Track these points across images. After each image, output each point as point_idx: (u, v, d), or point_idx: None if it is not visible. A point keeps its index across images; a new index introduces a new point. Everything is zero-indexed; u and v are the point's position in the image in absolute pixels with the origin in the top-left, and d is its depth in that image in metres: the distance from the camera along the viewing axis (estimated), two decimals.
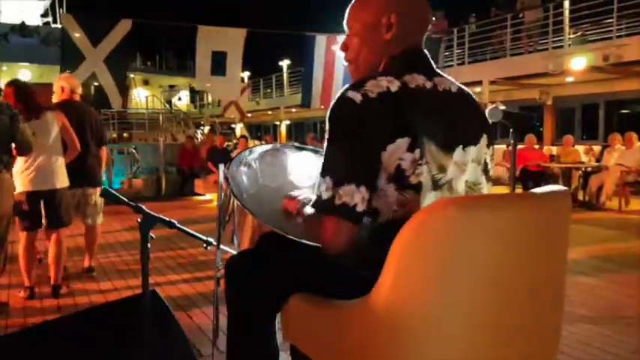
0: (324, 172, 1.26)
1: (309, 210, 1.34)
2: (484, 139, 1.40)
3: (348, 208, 1.22)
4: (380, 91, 1.24)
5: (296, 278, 1.47)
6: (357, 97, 1.23)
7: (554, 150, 10.57)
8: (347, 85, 1.29)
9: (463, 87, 1.43)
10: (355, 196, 1.22)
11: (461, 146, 1.33)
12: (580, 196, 8.52)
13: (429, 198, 1.27)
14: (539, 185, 8.87)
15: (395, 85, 1.26)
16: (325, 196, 1.24)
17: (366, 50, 1.40)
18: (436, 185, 1.29)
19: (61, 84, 4.39)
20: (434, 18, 13.66)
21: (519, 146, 8.92)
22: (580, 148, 10.21)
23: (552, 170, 8.95)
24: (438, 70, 1.40)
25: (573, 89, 13.06)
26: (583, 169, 8.92)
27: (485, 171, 1.41)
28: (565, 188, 1.29)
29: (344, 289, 1.32)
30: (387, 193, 1.25)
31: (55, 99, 4.38)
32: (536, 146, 9.89)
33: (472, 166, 1.36)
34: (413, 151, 1.23)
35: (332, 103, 1.28)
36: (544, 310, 1.28)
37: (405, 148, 1.22)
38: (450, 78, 1.40)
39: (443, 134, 1.29)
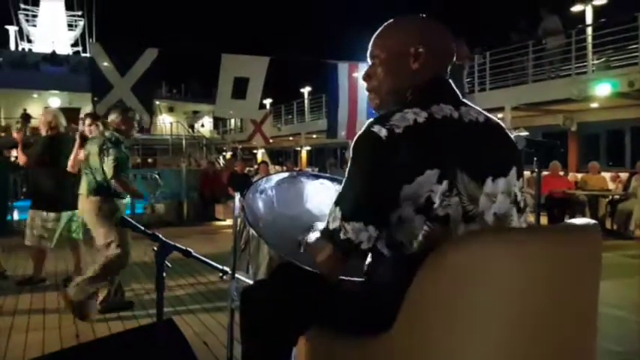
0: (337, 202, 1.28)
1: (313, 236, 1.37)
2: (514, 171, 1.36)
3: (352, 244, 1.24)
4: (406, 125, 1.23)
5: (313, 311, 1.43)
6: (382, 132, 1.22)
7: (579, 177, 10.34)
8: (373, 119, 1.28)
9: (491, 117, 1.40)
10: (361, 234, 1.23)
11: (491, 177, 1.29)
12: (608, 225, 8.29)
13: (460, 230, 1.23)
14: (564, 212, 8.72)
15: (422, 117, 1.25)
16: (332, 226, 1.27)
17: (390, 79, 1.40)
18: (468, 217, 1.25)
19: (49, 118, 4.88)
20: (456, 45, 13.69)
21: (544, 173, 8.76)
22: (606, 176, 9.99)
23: (578, 198, 8.76)
24: (465, 100, 1.37)
25: (598, 115, 12.85)
26: (610, 196, 8.70)
27: (516, 202, 1.36)
28: (594, 222, 1.23)
29: (363, 325, 1.28)
30: (414, 225, 1.23)
31: (43, 131, 4.89)
32: (561, 173, 9.70)
33: (501, 198, 1.31)
34: (442, 183, 1.21)
35: (358, 133, 1.27)
36: (574, 347, 1.21)
37: (435, 180, 1.21)
38: (477, 108, 1.38)
39: (473, 165, 1.26)
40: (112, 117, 3.97)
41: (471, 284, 1.06)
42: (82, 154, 4.18)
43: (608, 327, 3.40)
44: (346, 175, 1.28)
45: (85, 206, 3.89)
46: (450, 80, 1.40)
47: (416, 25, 1.41)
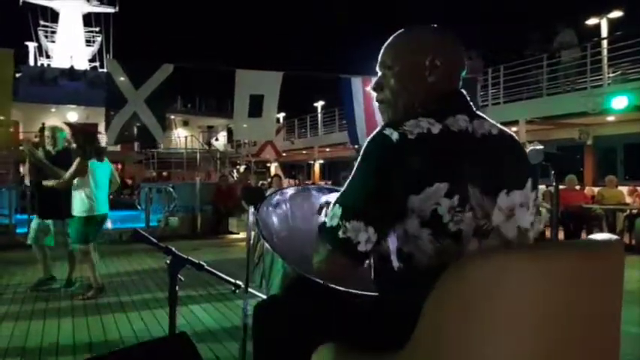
0: (337, 201, 1.24)
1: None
2: (529, 183, 1.32)
3: (351, 244, 1.19)
4: (420, 131, 1.19)
5: (327, 327, 1.41)
6: (394, 135, 1.18)
7: (596, 191, 10.20)
8: (386, 122, 1.26)
9: (504, 129, 1.37)
10: (361, 234, 1.18)
11: (505, 191, 1.25)
12: (626, 240, 8.15)
13: (472, 246, 1.20)
14: (581, 227, 8.58)
15: (436, 128, 1.21)
16: (330, 223, 1.22)
17: (405, 92, 1.36)
18: (479, 232, 1.21)
19: (63, 135, 5.43)
20: (470, 58, 13.49)
21: (560, 187, 8.63)
22: (623, 189, 9.84)
23: (595, 212, 8.63)
24: (478, 112, 1.35)
25: (614, 128, 12.70)
26: (628, 211, 8.56)
27: (532, 215, 1.33)
28: (617, 237, 1.20)
29: (378, 340, 1.26)
30: (421, 239, 1.19)
31: (61, 145, 5.32)
32: (577, 187, 9.59)
33: (520, 211, 1.28)
34: (451, 198, 1.16)
35: (370, 136, 1.23)
36: None
37: (443, 193, 1.16)
38: (490, 120, 1.35)
39: (485, 179, 1.22)
40: None
41: (490, 300, 1.04)
42: None
43: (624, 345, 3.31)
44: (351, 175, 1.23)
45: None
46: (464, 91, 1.38)
47: (430, 36, 1.37)
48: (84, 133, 5.43)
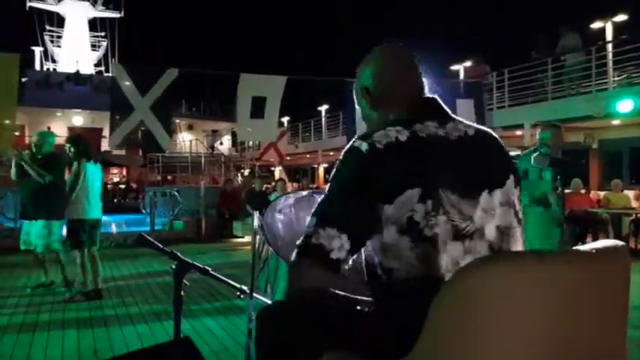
0: (314, 210, 1.27)
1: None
2: (511, 180, 1.34)
3: (323, 250, 1.20)
4: (387, 141, 1.23)
5: (331, 333, 1.41)
6: (363, 146, 1.23)
7: (602, 195, 10.16)
8: (357, 135, 1.30)
9: (483, 128, 1.40)
10: (334, 241, 1.20)
11: (486, 191, 1.27)
12: (632, 244, 8.11)
13: (451, 248, 1.21)
14: (587, 231, 8.54)
15: (404, 135, 1.24)
16: (306, 232, 1.25)
17: (368, 114, 1.47)
18: (460, 235, 1.22)
19: (50, 140, 5.61)
20: (471, 62, 13.47)
21: (565, 190, 8.61)
22: (629, 193, 9.80)
23: (601, 216, 8.59)
24: (454, 116, 1.37)
25: (620, 132, 12.64)
26: (634, 215, 8.52)
27: (516, 213, 1.34)
28: (622, 243, 1.19)
29: (382, 347, 1.26)
30: (400, 247, 1.21)
31: (47, 149, 5.47)
32: (583, 191, 9.56)
33: (502, 210, 1.29)
34: (425, 203, 1.19)
35: (343, 150, 1.29)
36: None
37: (415, 199, 1.19)
38: (465, 122, 1.37)
39: (463, 182, 1.24)
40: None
41: (494, 307, 1.03)
42: None
43: (636, 351, 3.29)
44: (327, 188, 1.28)
45: None
46: (436, 97, 1.40)
47: (366, 64, 1.47)
48: (85, 142, 5.46)
